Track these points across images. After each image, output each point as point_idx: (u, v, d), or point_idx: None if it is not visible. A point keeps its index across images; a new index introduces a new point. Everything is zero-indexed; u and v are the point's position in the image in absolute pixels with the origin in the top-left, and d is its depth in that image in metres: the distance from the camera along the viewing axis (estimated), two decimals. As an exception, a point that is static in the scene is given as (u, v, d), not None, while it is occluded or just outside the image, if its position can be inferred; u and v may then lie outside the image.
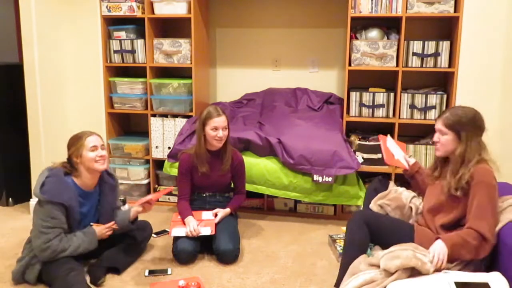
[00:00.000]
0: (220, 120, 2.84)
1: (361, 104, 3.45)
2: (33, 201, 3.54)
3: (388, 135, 2.78)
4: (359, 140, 3.46)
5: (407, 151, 2.74)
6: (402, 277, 1.96)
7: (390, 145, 2.70)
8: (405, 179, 2.68)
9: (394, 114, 3.43)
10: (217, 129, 2.84)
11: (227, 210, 2.94)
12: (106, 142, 3.78)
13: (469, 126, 2.16)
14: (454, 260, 2.07)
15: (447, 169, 2.25)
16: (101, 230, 2.52)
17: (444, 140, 2.21)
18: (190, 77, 3.65)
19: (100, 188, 2.62)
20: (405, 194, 2.49)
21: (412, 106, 3.36)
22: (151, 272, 2.61)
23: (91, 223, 2.53)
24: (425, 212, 2.35)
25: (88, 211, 2.56)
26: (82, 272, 2.41)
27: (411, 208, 2.43)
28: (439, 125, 2.23)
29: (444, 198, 2.24)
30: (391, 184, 2.58)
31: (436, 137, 2.26)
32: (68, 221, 2.42)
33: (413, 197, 2.49)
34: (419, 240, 2.16)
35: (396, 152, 2.66)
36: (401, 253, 1.97)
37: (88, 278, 2.47)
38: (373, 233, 2.21)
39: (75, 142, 2.49)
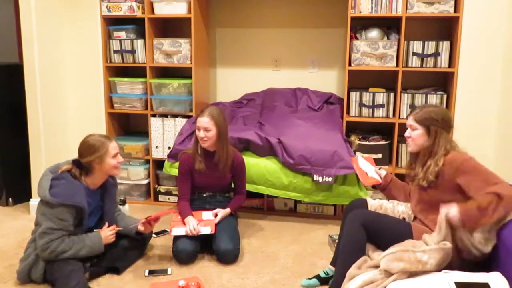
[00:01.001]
0: (201, 120, 2.82)
1: (361, 104, 3.45)
2: (33, 201, 3.54)
3: (358, 156, 2.81)
4: (359, 140, 3.46)
5: (376, 165, 2.77)
6: (402, 277, 1.96)
7: (362, 164, 2.72)
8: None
9: (394, 114, 3.43)
10: (199, 129, 2.84)
11: (227, 210, 2.94)
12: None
13: (438, 121, 2.25)
14: (473, 226, 2.02)
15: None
16: (106, 233, 2.53)
17: (415, 134, 2.30)
18: (190, 77, 3.65)
19: (102, 187, 2.64)
20: (389, 207, 2.49)
21: (412, 106, 3.36)
22: (151, 272, 2.61)
23: (95, 230, 2.54)
24: (417, 215, 2.36)
25: (92, 210, 2.57)
26: (83, 272, 2.41)
27: (404, 219, 2.43)
28: (410, 121, 2.32)
29: (425, 196, 2.28)
30: (369, 200, 2.54)
31: (408, 132, 2.35)
32: (76, 222, 2.44)
33: (397, 205, 2.51)
34: (417, 238, 2.17)
35: (368, 170, 2.69)
36: (403, 256, 1.97)
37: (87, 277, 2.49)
38: (370, 234, 2.22)
39: (98, 149, 2.48)
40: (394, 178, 2.64)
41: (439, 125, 2.25)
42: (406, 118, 2.40)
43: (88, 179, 2.52)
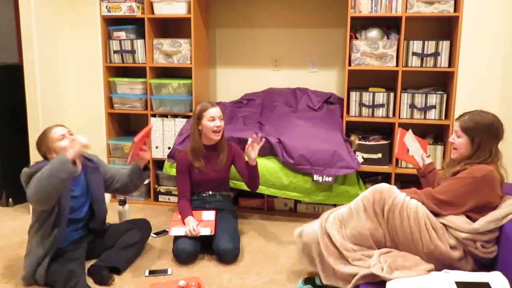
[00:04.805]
0: (215, 110, 2.90)
1: (361, 104, 3.45)
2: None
3: (410, 130, 2.72)
4: (359, 140, 3.46)
5: (426, 150, 2.70)
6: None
7: (408, 140, 2.64)
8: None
9: (394, 114, 3.43)
10: (214, 119, 2.88)
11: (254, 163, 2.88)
12: (106, 142, 3.79)
13: (484, 132, 2.14)
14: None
15: None
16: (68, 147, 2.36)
17: (458, 142, 2.21)
18: (190, 77, 3.65)
19: (84, 173, 2.62)
20: None
21: (412, 106, 3.36)
22: (151, 272, 2.61)
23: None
24: None
25: (79, 195, 2.55)
26: (83, 275, 2.41)
27: None
28: (456, 127, 2.23)
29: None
30: None
31: (452, 138, 2.26)
32: (59, 207, 2.40)
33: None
34: None
35: (413, 149, 2.62)
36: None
37: (91, 280, 2.48)
38: None
39: (43, 140, 2.51)
40: (436, 171, 2.54)
41: (484, 135, 2.13)
42: (452, 121, 2.35)
43: None
